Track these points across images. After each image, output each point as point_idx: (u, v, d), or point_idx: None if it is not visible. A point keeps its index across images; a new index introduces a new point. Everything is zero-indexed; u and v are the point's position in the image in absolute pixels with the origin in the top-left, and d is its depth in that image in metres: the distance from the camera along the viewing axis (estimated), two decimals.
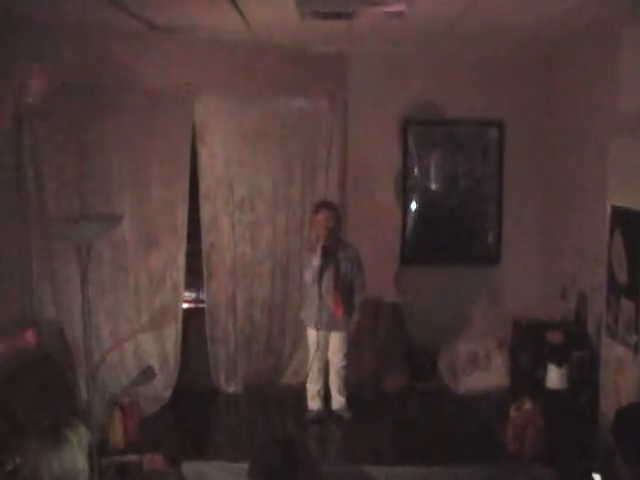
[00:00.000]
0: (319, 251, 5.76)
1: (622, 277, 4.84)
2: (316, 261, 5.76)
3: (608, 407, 4.97)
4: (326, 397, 6.16)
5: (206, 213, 6.50)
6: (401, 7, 4.38)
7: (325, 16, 4.55)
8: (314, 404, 6.13)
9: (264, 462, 2.69)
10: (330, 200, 6.25)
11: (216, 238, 6.55)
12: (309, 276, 5.89)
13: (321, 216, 5.84)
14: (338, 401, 6.15)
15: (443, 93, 6.92)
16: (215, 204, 6.51)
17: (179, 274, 6.30)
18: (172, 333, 6.32)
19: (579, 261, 6.09)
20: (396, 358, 6.77)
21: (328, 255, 5.78)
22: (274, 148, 6.55)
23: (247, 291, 6.67)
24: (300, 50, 6.45)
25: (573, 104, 6.34)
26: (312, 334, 6.00)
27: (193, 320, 6.57)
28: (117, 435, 5.49)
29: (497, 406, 6.06)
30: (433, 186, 7.14)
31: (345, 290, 5.92)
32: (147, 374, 5.52)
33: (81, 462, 2.70)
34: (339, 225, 5.98)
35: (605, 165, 5.19)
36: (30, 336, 4.64)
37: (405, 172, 7.07)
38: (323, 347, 6.02)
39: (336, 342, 6.04)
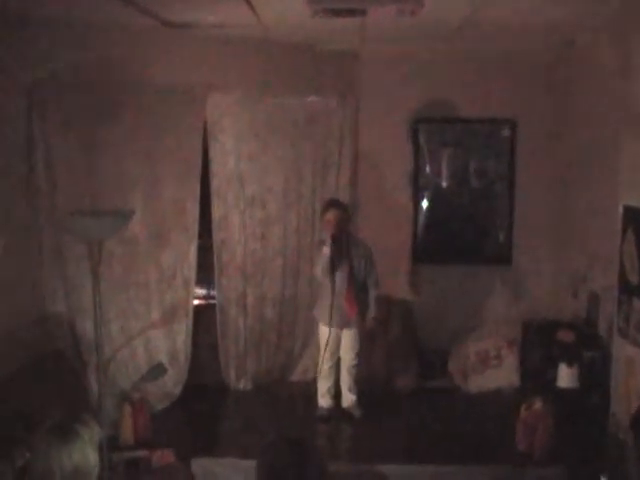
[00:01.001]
0: (329, 240, 5.69)
1: (634, 277, 4.82)
2: (327, 250, 5.69)
3: (618, 407, 4.96)
4: (336, 395, 6.16)
5: (217, 210, 6.49)
6: (414, 5, 4.36)
7: (337, 13, 4.53)
8: (324, 401, 6.13)
9: (270, 459, 2.68)
10: (338, 198, 6.24)
11: (227, 235, 6.55)
12: (319, 268, 5.81)
13: (330, 215, 5.79)
14: (349, 399, 6.15)
15: (455, 91, 6.91)
16: (226, 201, 6.50)
17: (190, 270, 6.28)
18: (182, 329, 6.32)
19: (590, 260, 6.07)
20: (407, 356, 6.76)
21: (339, 245, 5.72)
22: (285, 146, 6.54)
23: (258, 288, 6.67)
24: (312, 48, 6.44)
25: (586, 103, 6.32)
26: (324, 331, 5.98)
27: (204, 316, 6.57)
28: (127, 431, 5.51)
29: (507, 405, 6.05)
30: (445, 184, 7.13)
31: (358, 288, 5.90)
32: (157, 370, 5.54)
33: (92, 458, 2.70)
34: (348, 223, 5.94)
35: (617, 164, 5.17)
36: None
37: (417, 170, 7.06)
38: (335, 344, 6.01)
39: (348, 340, 6.02)
